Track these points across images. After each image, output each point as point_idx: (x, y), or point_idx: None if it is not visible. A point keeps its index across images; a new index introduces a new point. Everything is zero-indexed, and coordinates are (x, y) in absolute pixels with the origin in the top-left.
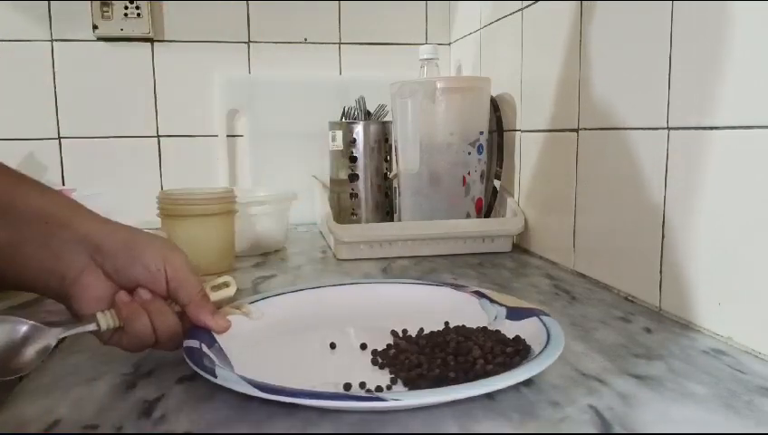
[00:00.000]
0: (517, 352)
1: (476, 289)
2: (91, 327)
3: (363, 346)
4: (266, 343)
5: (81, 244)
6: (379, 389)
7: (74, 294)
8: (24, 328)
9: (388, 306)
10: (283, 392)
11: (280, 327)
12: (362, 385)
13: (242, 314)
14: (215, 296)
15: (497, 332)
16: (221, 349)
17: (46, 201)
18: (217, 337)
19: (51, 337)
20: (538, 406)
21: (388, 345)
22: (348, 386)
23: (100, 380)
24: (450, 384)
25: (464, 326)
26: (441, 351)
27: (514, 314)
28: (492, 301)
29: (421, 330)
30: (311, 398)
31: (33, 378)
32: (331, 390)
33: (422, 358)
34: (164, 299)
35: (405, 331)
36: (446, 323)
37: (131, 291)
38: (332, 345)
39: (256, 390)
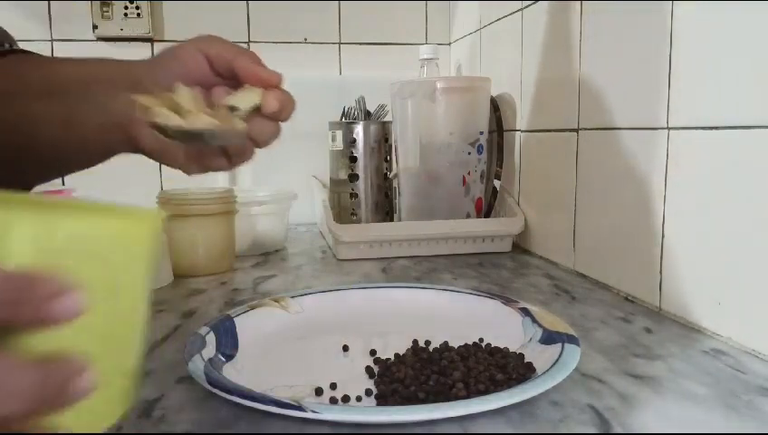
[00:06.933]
0: (507, 380)
1: (524, 306)
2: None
3: (373, 352)
4: (285, 338)
5: (124, 90)
6: (346, 398)
7: (138, 131)
8: None
9: (427, 314)
10: (218, 386)
11: (309, 324)
12: (333, 386)
13: (280, 307)
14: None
15: (515, 355)
16: (236, 336)
17: (80, 66)
18: (239, 326)
19: None
20: (537, 406)
21: (396, 355)
22: (319, 390)
23: None
24: (419, 404)
25: (473, 344)
26: (429, 368)
27: (548, 337)
28: (534, 320)
29: (445, 343)
30: (232, 394)
31: None
32: (307, 391)
33: (410, 373)
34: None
35: (428, 342)
36: (480, 340)
37: None
38: (345, 348)
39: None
